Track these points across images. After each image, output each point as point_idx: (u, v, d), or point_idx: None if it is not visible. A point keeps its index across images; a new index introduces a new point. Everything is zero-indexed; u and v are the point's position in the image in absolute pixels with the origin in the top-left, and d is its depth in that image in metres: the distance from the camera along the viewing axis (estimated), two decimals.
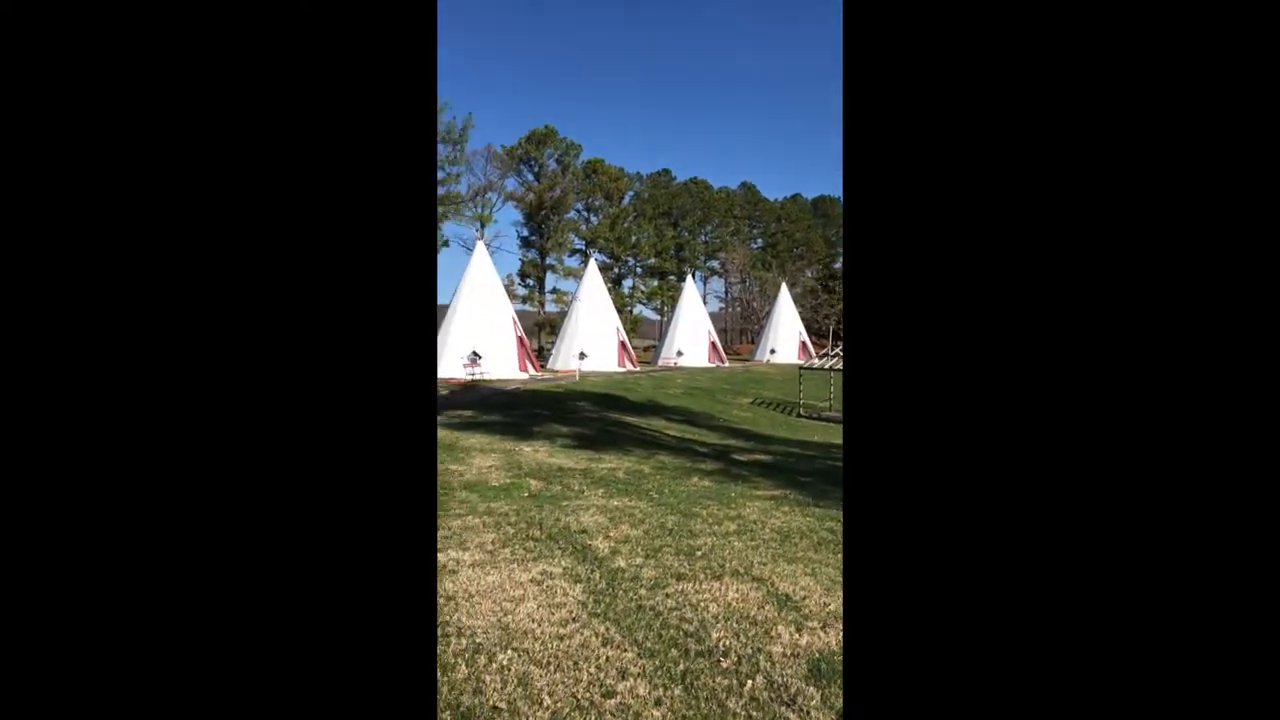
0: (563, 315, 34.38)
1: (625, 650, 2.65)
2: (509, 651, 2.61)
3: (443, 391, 16.27)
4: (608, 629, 2.84)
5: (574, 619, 2.94)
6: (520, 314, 30.44)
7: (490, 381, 20.62)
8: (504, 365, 22.49)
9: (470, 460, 6.94)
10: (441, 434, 8.90)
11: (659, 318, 48.69)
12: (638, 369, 27.95)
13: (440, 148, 34.02)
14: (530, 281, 41.40)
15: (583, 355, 25.16)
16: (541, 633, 2.79)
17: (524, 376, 22.77)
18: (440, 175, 34.23)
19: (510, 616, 2.95)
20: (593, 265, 29.80)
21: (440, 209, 33.80)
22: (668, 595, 3.24)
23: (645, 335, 50.16)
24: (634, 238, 45.50)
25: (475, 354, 22.14)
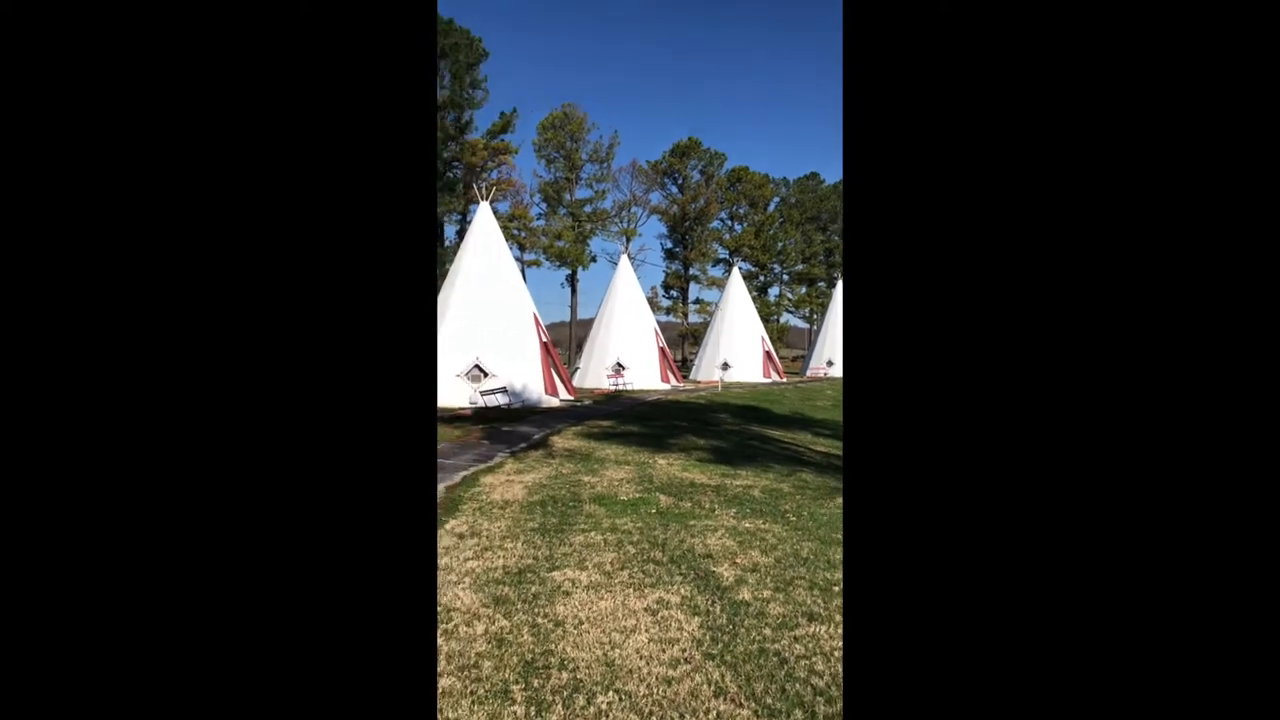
0: (706, 326, 34.17)
1: (740, 706, 2.30)
2: (610, 693, 2.37)
3: (586, 402, 16.66)
4: (723, 675, 2.51)
5: (686, 659, 2.63)
6: (664, 325, 30.65)
7: (633, 392, 20.86)
8: (647, 376, 22.68)
9: (603, 472, 6.87)
10: (578, 444, 8.97)
11: (808, 326, 46.99)
12: (784, 380, 27.02)
13: (587, 167, 35.37)
14: (674, 293, 41.71)
15: (726, 366, 24.76)
16: (648, 673, 2.52)
17: (666, 387, 22.81)
18: (587, 194, 35.60)
19: (618, 651, 2.71)
20: (736, 274, 29.32)
21: (588, 225, 35.04)
22: (796, 639, 2.83)
23: (793, 345, 48.61)
24: (780, 244, 44.34)
25: (619, 365, 22.54)
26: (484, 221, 16.61)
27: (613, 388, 21.60)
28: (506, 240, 19.01)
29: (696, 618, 3.04)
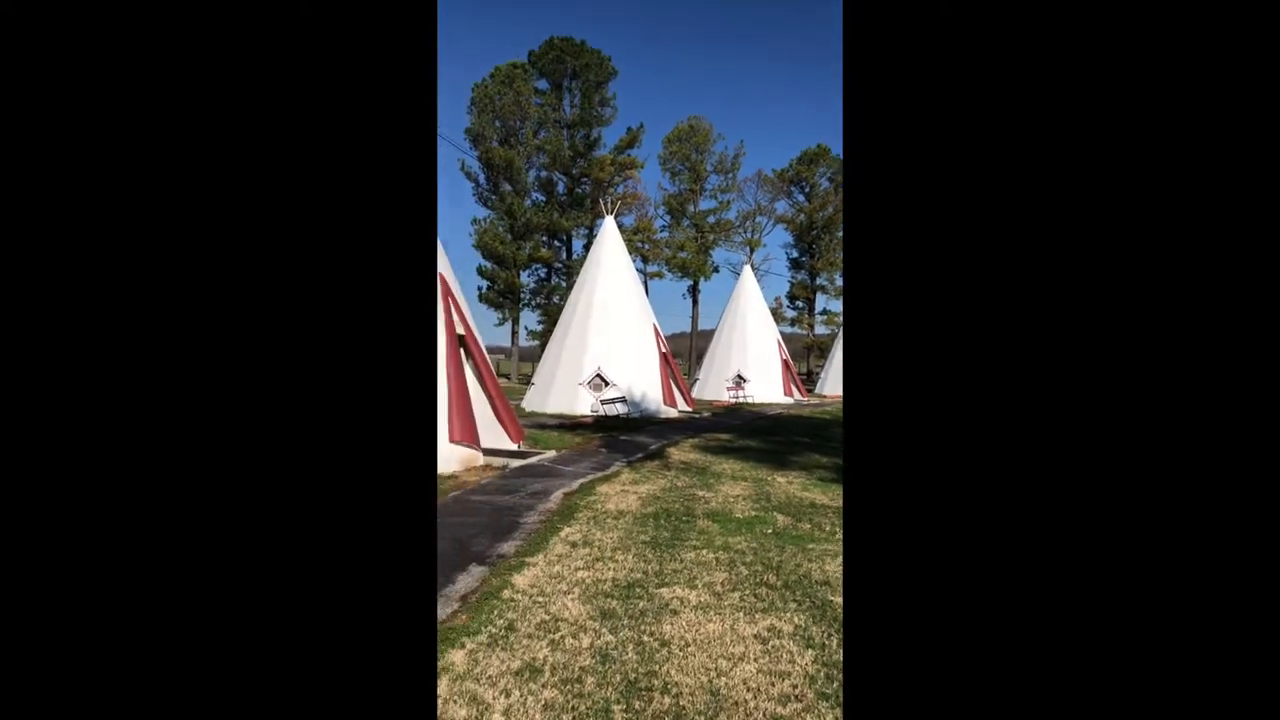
0: (833, 338, 32.86)
1: None
2: None
3: (704, 414, 16.52)
4: (837, 718, 2.31)
5: (796, 695, 2.46)
6: (788, 337, 29.82)
7: (753, 405, 20.43)
8: (768, 389, 22.15)
9: (719, 487, 6.73)
10: (694, 457, 8.88)
11: None
12: None
13: (712, 178, 35.32)
14: (799, 303, 40.53)
15: None
16: (755, 707, 2.37)
17: (789, 401, 22.14)
18: (711, 205, 35.52)
19: (724, 679, 2.58)
20: None
21: (711, 236, 34.95)
22: None
23: None
24: None
25: (740, 377, 22.19)
26: (608, 235, 17.02)
27: (732, 400, 21.29)
28: (630, 252, 19.35)
29: (810, 650, 2.85)
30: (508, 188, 29.49)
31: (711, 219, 35.48)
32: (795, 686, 2.53)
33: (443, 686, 2.47)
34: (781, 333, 25.67)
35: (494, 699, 2.39)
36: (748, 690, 2.50)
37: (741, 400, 21.39)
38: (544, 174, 31.04)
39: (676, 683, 2.54)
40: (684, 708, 2.36)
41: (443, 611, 3.25)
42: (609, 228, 17.16)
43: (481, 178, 30.09)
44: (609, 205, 18.36)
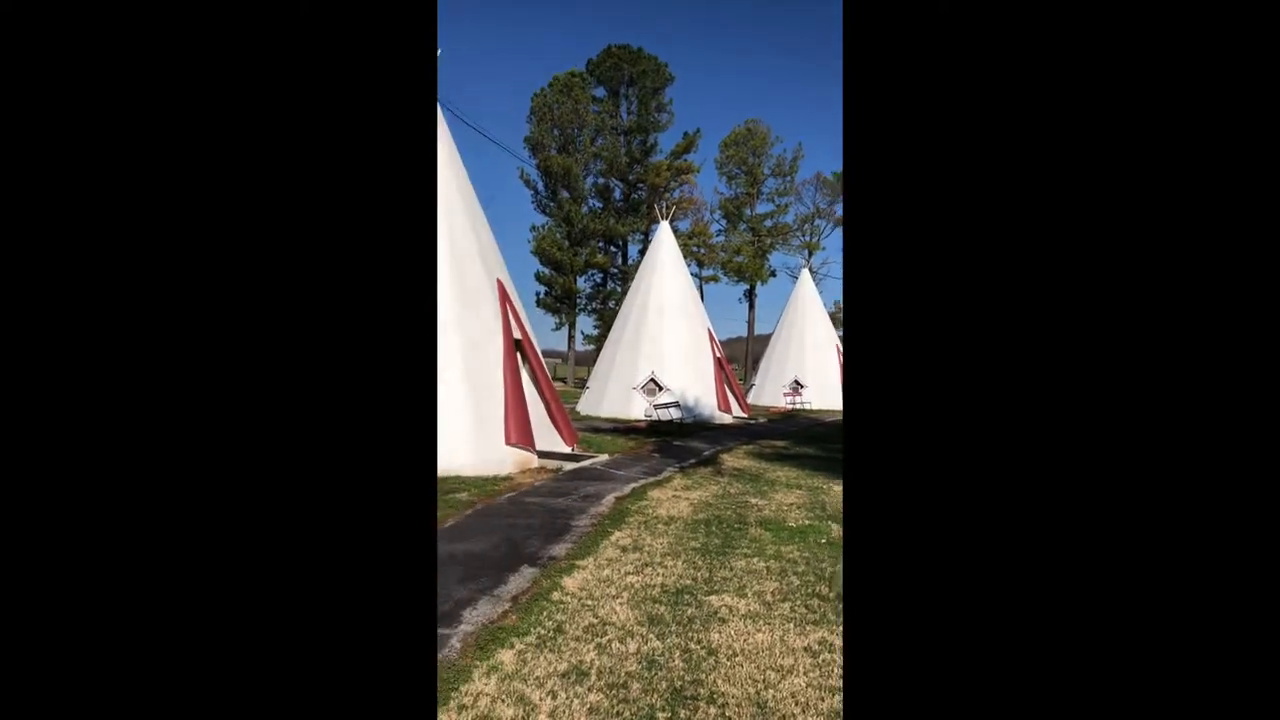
0: None
1: None
2: None
3: (760, 420, 16.31)
4: None
5: None
6: None
7: (810, 412, 20.05)
8: (826, 395, 21.69)
9: (772, 495, 6.62)
10: (747, 464, 8.77)
11: None
12: None
13: (769, 181, 34.91)
14: None
15: None
16: None
17: None
18: (769, 208, 35.11)
19: (772, 691, 2.53)
20: None
21: (768, 240, 34.54)
22: None
23: None
24: None
25: (797, 383, 21.83)
26: (664, 240, 17.05)
27: (789, 406, 20.95)
28: (685, 257, 19.32)
29: None
30: (565, 194, 29.94)
31: (769, 222, 35.07)
32: None
33: (491, 685, 2.51)
34: (841, 338, 25.10)
35: (540, 700, 2.42)
36: (796, 704, 2.44)
37: (798, 406, 21.02)
38: (601, 180, 31.38)
39: (723, 693, 2.51)
40: (729, 719, 2.33)
41: (494, 611, 3.31)
42: (664, 233, 17.18)
43: (540, 185, 30.64)
44: (664, 210, 18.40)
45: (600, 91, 31.48)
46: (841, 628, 3.18)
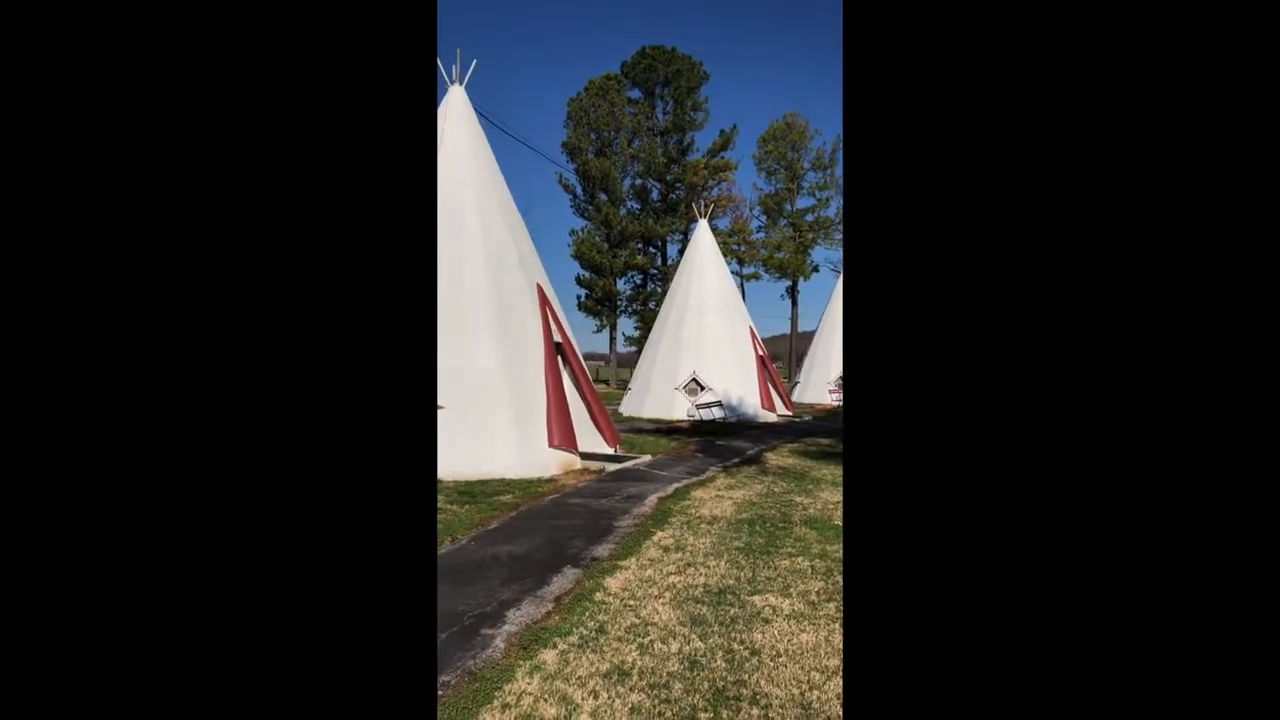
0: None
1: None
2: None
3: (805, 418, 16.07)
4: None
5: None
6: None
7: None
8: None
9: (818, 494, 6.52)
10: (793, 462, 8.65)
11: None
12: None
13: (809, 175, 34.40)
14: None
15: None
16: None
17: None
18: (810, 202, 34.57)
19: (817, 693, 2.49)
20: None
21: (809, 235, 34.03)
22: None
23: None
24: None
25: (842, 379, 21.43)
26: (702, 239, 16.98)
27: (835, 404, 20.59)
28: (725, 255, 19.19)
29: None
30: (603, 197, 30.12)
31: (810, 217, 34.54)
32: None
33: (534, 685, 2.54)
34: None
35: (582, 700, 2.43)
36: (841, 705, 2.39)
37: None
38: (639, 182, 31.45)
39: (766, 693, 2.48)
40: (772, 719, 2.30)
41: (537, 611, 3.35)
42: (703, 232, 17.11)
43: (578, 189, 30.90)
44: (703, 209, 18.32)
45: (635, 93, 31.56)
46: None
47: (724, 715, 2.33)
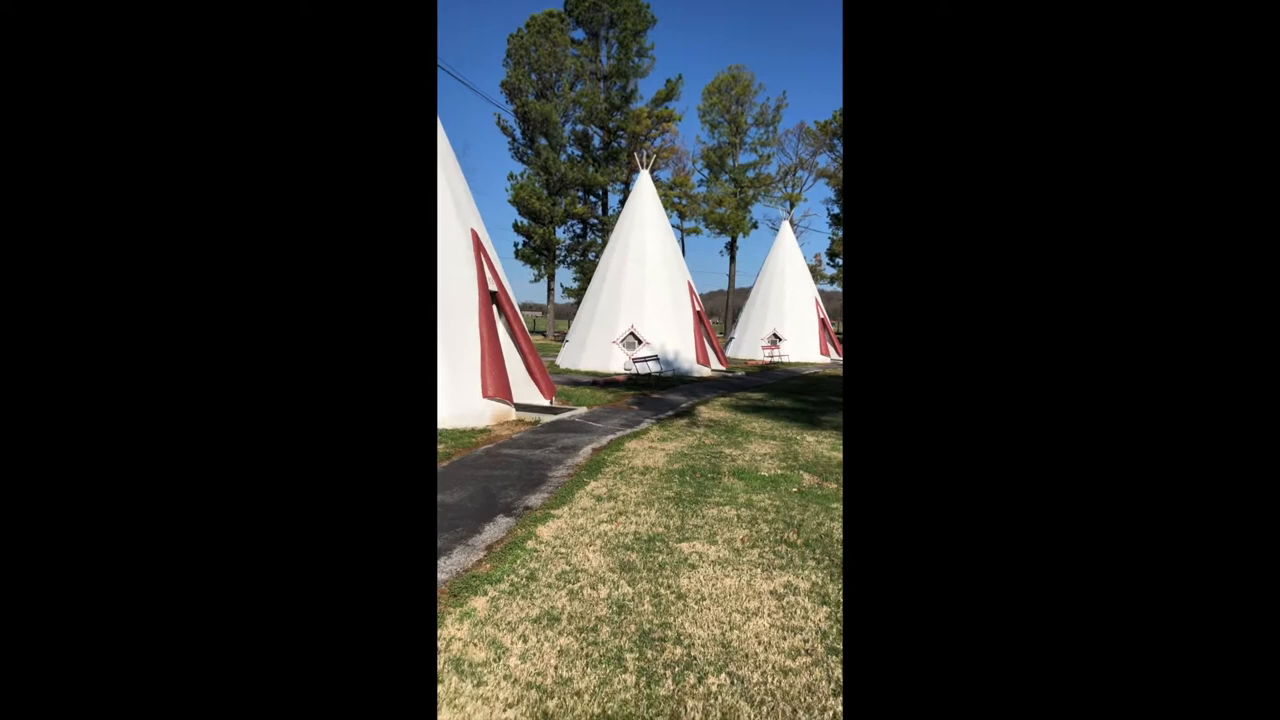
0: None
1: None
2: (723, 676, 2.31)
3: (739, 373, 16.45)
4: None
5: (807, 651, 2.49)
6: (827, 295, 29.28)
7: (789, 364, 20.25)
8: (804, 348, 21.89)
9: (746, 445, 6.74)
10: (724, 415, 8.88)
11: None
12: None
13: (752, 130, 34.32)
14: (839, 261, 39.64)
15: None
16: (765, 660, 2.42)
17: (825, 360, 21.87)
18: (751, 158, 34.61)
19: (736, 632, 2.63)
20: None
21: (750, 191, 34.18)
22: None
23: None
24: None
25: (775, 336, 21.97)
26: (644, 190, 16.79)
27: (767, 359, 21.14)
28: (666, 208, 19.07)
29: (825, 608, 2.87)
30: (544, 142, 29.21)
31: (751, 173, 34.65)
32: (806, 641, 2.57)
33: (464, 630, 2.58)
34: (821, 291, 25.20)
35: (511, 644, 2.49)
36: (759, 644, 2.54)
37: (777, 359, 21.21)
38: (580, 128, 30.61)
39: (689, 634, 2.60)
40: (694, 658, 2.42)
41: (468, 560, 3.37)
42: (645, 183, 16.91)
43: (517, 132, 29.85)
44: (645, 159, 18.06)
45: (579, 34, 30.44)
46: (808, 574, 3.29)
47: (649, 655, 2.43)
